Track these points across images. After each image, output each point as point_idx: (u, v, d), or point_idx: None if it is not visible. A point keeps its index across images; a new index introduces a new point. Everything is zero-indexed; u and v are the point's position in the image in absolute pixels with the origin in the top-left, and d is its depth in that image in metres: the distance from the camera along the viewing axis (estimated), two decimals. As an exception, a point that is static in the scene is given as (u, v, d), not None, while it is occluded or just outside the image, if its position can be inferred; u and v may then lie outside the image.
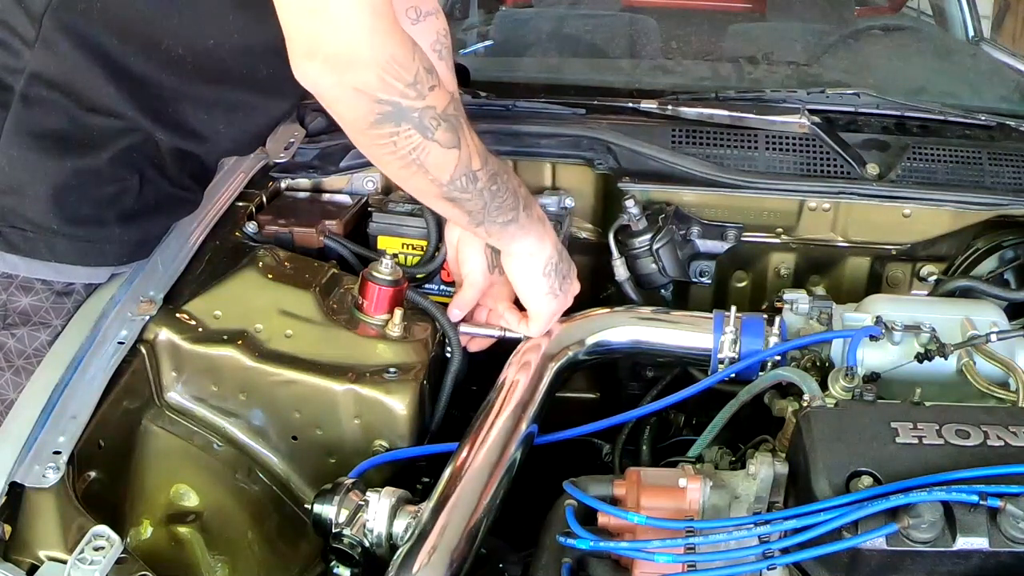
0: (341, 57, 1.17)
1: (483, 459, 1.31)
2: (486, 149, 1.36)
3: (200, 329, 1.42)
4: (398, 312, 1.47)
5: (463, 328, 1.55)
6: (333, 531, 1.24)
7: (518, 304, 1.56)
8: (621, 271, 1.71)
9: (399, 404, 1.39)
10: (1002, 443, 1.14)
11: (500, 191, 1.37)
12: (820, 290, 1.80)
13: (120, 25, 1.33)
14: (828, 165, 1.79)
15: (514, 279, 1.49)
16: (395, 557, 1.18)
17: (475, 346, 1.59)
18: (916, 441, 1.15)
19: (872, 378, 1.41)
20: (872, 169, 1.78)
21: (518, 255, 1.47)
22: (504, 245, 1.46)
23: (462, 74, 1.87)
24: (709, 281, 1.80)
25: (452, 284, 1.67)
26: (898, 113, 1.94)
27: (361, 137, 1.27)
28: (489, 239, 1.45)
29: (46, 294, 1.40)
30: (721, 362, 1.51)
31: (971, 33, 2.83)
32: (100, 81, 1.34)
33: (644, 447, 1.62)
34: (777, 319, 1.51)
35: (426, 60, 1.24)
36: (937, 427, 1.16)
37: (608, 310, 1.60)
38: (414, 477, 1.45)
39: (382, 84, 1.19)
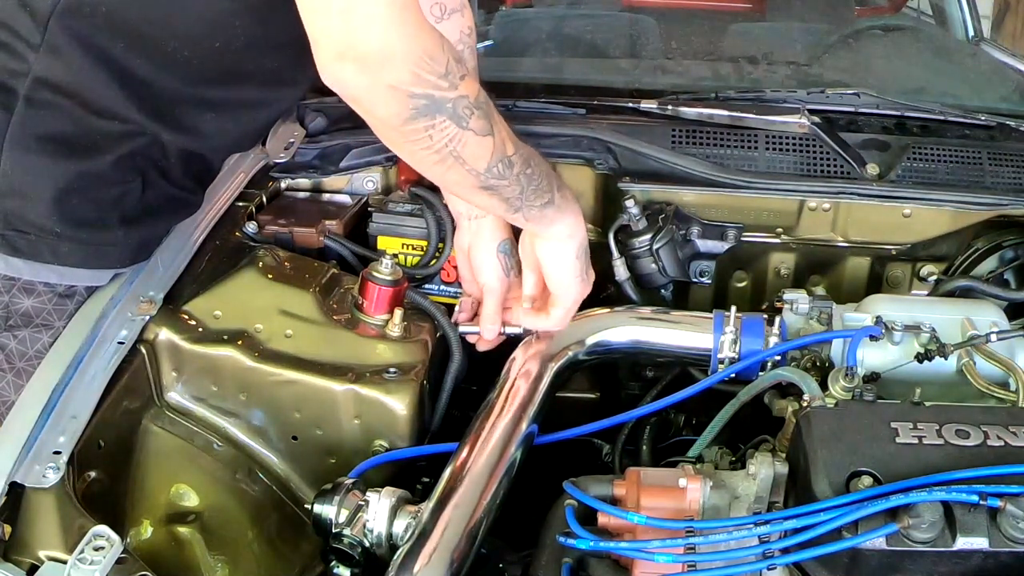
0: (373, 56, 1.15)
1: (483, 459, 1.31)
2: (514, 134, 1.35)
3: (200, 329, 1.42)
4: (398, 312, 1.47)
5: (463, 328, 1.56)
6: (333, 531, 1.24)
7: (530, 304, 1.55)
8: (621, 271, 1.71)
9: (399, 404, 1.39)
10: (1002, 443, 1.15)
11: (535, 174, 1.36)
12: (820, 290, 1.80)
13: (126, 29, 1.32)
14: (828, 165, 1.79)
15: (547, 263, 1.48)
16: (395, 557, 1.18)
17: (482, 346, 1.58)
18: (916, 441, 1.15)
19: (872, 378, 1.41)
20: (872, 169, 1.78)
21: (556, 238, 1.45)
22: (542, 229, 1.44)
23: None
24: (709, 281, 1.80)
25: (452, 284, 1.67)
26: (898, 113, 1.94)
27: (394, 134, 1.25)
28: (528, 225, 1.44)
29: (48, 296, 1.40)
30: (721, 362, 1.50)
31: (971, 33, 2.82)
32: (105, 85, 1.33)
33: (644, 447, 1.62)
34: (777, 319, 1.51)
35: (454, 50, 1.23)
36: (937, 427, 1.16)
37: (608, 310, 1.60)
38: (414, 477, 1.44)
39: (415, 79, 1.18)
